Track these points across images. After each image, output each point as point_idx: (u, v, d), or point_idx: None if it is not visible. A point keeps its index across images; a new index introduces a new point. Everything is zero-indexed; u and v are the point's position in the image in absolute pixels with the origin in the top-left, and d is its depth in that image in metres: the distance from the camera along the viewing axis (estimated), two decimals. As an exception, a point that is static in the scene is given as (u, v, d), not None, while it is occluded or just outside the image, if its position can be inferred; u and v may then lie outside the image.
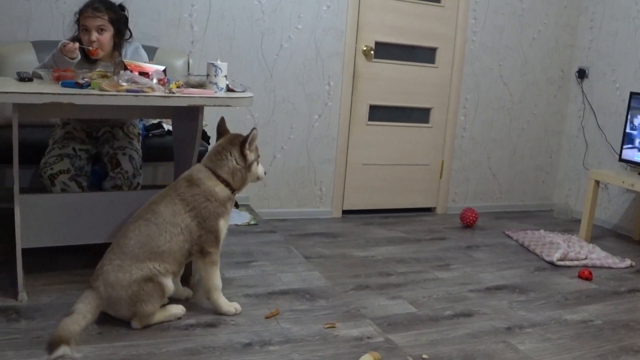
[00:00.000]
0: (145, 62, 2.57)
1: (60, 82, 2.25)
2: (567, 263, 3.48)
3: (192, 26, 3.67)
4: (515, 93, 4.70)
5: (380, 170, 4.36)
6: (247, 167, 2.30)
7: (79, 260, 2.69)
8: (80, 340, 1.97)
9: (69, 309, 2.01)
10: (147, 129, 3.23)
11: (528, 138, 4.84)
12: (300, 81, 3.98)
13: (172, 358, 1.97)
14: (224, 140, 2.32)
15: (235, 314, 2.32)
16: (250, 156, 2.30)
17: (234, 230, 3.43)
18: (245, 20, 3.78)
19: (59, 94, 2.07)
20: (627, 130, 4.01)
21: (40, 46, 3.15)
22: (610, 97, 4.52)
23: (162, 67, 2.46)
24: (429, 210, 4.64)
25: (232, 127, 2.41)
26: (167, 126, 3.27)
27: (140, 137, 3.00)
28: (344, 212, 4.31)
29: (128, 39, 2.79)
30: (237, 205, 3.76)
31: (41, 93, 2.05)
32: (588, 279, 3.27)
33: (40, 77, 2.40)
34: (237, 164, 2.28)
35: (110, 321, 2.13)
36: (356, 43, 4.07)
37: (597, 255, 3.64)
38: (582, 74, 4.74)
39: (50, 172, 2.61)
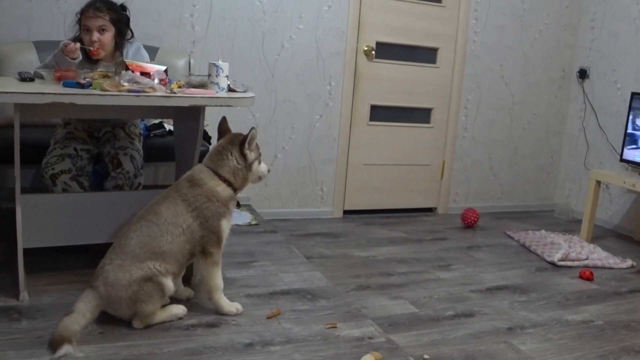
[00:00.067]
0: (146, 62, 2.57)
1: (61, 82, 2.25)
2: (568, 263, 3.48)
3: (194, 26, 3.68)
4: (516, 93, 4.70)
5: (382, 170, 4.36)
6: (248, 166, 2.30)
7: (81, 260, 2.69)
8: (81, 340, 1.97)
9: (70, 308, 2.02)
10: (149, 129, 3.23)
11: (529, 138, 4.84)
12: (302, 81, 3.98)
13: (173, 358, 1.97)
14: (224, 140, 2.32)
15: (236, 314, 2.32)
16: (251, 155, 2.30)
17: (235, 231, 3.42)
18: (247, 20, 3.78)
19: (61, 94, 2.07)
20: (630, 130, 4.01)
21: (41, 46, 3.15)
22: (611, 98, 4.52)
23: (164, 67, 2.46)
24: (430, 210, 4.64)
25: (234, 127, 2.41)
26: (169, 126, 3.27)
27: (142, 137, 3.00)
28: (345, 212, 4.31)
29: (129, 39, 2.79)
30: (239, 205, 3.77)
31: (43, 93, 2.05)
32: (589, 279, 3.27)
33: (41, 77, 2.40)
34: (238, 163, 2.28)
35: (111, 321, 2.13)
36: (357, 43, 4.07)
37: (598, 256, 3.64)
38: (583, 74, 4.74)
39: (51, 172, 2.61)
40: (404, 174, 4.45)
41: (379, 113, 4.28)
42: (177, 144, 2.78)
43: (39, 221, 2.34)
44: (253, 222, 3.65)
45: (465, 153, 4.62)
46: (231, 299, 2.37)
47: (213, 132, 3.12)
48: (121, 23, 2.71)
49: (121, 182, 2.71)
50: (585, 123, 4.75)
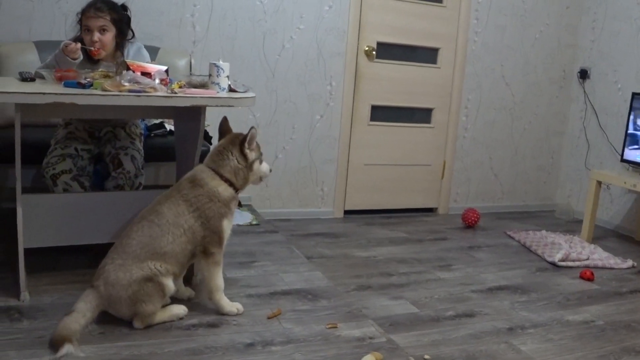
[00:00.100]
0: (147, 62, 2.57)
1: (62, 82, 2.25)
2: (569, 264, 3.48)
3: (194, 26, 3.68)
4: (517, 93, 4.70)
5: (382, 170, 4.36)
6: (249, 166, 2.30)
7: (82, 260, 2.69)
8: (81, 339, 1.97)
9: (71, 308, 2.02)
10: (149, 129, 3.24)
11: (530, 138, 4.84)
12: (302, 81, 3.98)
13: (174, 358, 1.97)
14: (225, 140, 2.32)
15: (237, 314, 2.32)
16: (251, 155, 2.30)
17: (235, 231, 3.42)
18: (247, 20, 3.78)
19: (62, 94, 2.07)
20: (631, 131, 4.01)
21: (42, 46, 3.15)
22: (612, 98, 4.52)
23: (165, 67, 2.46)
24: (430, 210, 4.64)
25: (235, 127, 2.41)
26: (169, 126, 3.27)
27: (142, 137, 3.00)
28: (346, 212, 4.31)
29: (130, 39, 2.79)
30: (240, 205, 3.77)
31: (44, 93, 2.05)
32: (590, 279, 3.27)
33: (42, 77, 2.40)
34: (239, 163, 2.28)
35: (112, 321, 2.13)
36: (358, 43, 4.07)
37: (598, 256, 3.64)
38: (584, 74, 4.74)
39: (52, 172, 2.61)
40: (405, 174, 4.45)
41: (380, 113, 4.28)
42: (177, 144, 2.78)
43: (39, 221, 2.34)
44: (254, 222, 3.65)
45: (466, 153, 4.62)
46: (232, 299, 2.37)
47: (214, 132, 3.12)
48: (122, 23, 2.71)
49: (122, 182, 2.71)
50: (586, 123, 4.75)
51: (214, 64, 2.42)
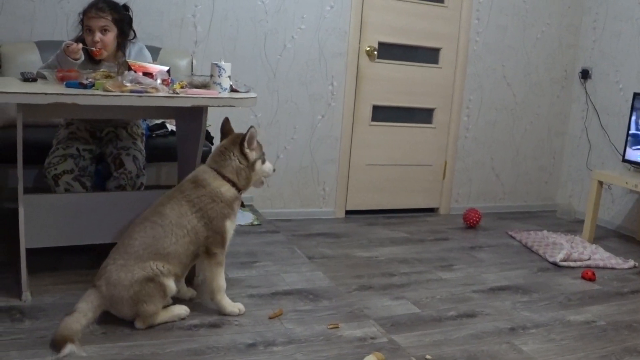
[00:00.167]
0: (149, 63, 2.57)
1: (64, 83, 2.25)
2: (571, 264, 3.48)
3: (196, 26, 3.68)
4: (519, 93, 4.69)
5: (383, 170, 4.36)
6: (251, 165, 2.30)
7: (83, 260, 2.70)
8: (83, 340, 1.97)
9: (72, 308, 2.02)
10: (151, 129, 3.24)
11: (531, 138, 4.83)
12: (304, 81, 3.98)
13: (175, 358, 1.98)
14: (227, 141, 2.32)
15: (239, 315, 2.32)
16: (252, 155, 2.30)
17: (237, 231, 3.38)
18: (249, 20, 3.78)
19: (63, 94, 2.08)
20: (633, 131, 4.00)
21: (43, 46, 3.15)
22: (614, 98, 4.52)
23: (166, 68, 2.46)
24: (432, 210, 4.64)
25: (236, 128, 2.41)
26: (171, 126, 3.27)
27: (144, 138, 3.01)
28: (347, 212, 4.31)
29: (132, 39, 2.79)
30: (243, 205, 3.77)
31: (45, 93, 2.05)
32: (591, 279, 3.26)
33: (44, 78, 2.40)
34: (240, 163, 2.28)
35: (114, 321, 2.13)
36: (359, 43, 4.07)
37: (600, 256, 3.63)
38: (585, 74, 4.74)
39: (54, 173, 2.61)
40: (406, 174, 4.44)
41: (381, 113, 4.28)
42: (179, 144, 2.78)
43: (41, 221, 2.34)
44: (255, 222, 3.65)
45: (467, 153, 4.62)
46: (233, 299, 2.37)
47: (215, 133, 3.12)
48: (123, 23, 2.71)
49: (123, 182, 2.71)
50: (588, 123, 4.75)
51: (216, 64, 2.42)
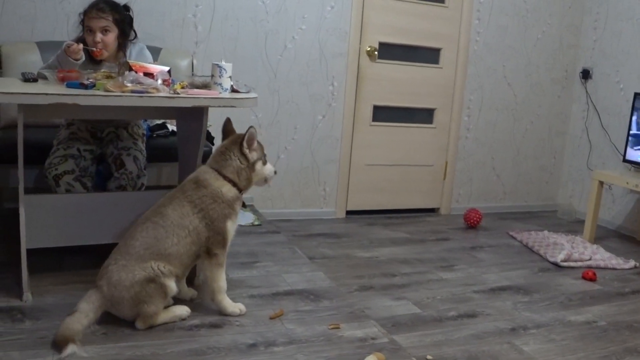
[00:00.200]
0: (149, 63, 2.58)
1: (65, 83, 2.25)
2: (571, 264, 3.48)
3: (197, 27, 3.68)
4: (519, 93, 4.69)
5: (384, 170, 4.36)
6: (251, 166, 2.30)
7: (84, 261, 2.70)
8: (84, 340, 1.97)
9: (73, 308, 2.02)
10: (152, 129, 3.24)
11: (532, 138, 4.83)
12: (304, 82, 3.98)
13: (176, 359, 1.98)
14: (227, 141, 2.32)
15: (239, 315, 2.32)
16: (252, 155, 2.30)
17: (238, 231, 3.37)
18: (249, 20, 3.78)
19: (64, 94, 2.08)
20: (633, 131, 4.00)
21: (44, 46, 3.15)
22: (614, 98, 4.52)
23: (167, 68, 2.46)
24: (432, 210, 4.64)
25: (237, 128, 2.40)
26: (172, 127, 3.28)
27: (145, 138, 3.01)
28: (348, 212, 4.31)
29: (132, 39, 2.79)
30: (244, 205, 3.77)
31: (46, 94, 2.05)
32: (592, 280, 3.26)
33: (45, 78, 2.41)
34: (241, 163, 2.28)
35: (114, 322, 2.13)
36: (360, 44, 4.07)
37: (601, 256, 3.63)
38: (586, 74, 4.74)
39: (54, 173, 2.61)
40: (407, 175, 4.44)
41: (382, 113, 4.28)
42: (180, 145, 2.78)
43: (42, 221, 2.34)
44: (256, 223, 3.65)
45: (468, 153, 4.62)
46: (234, 300, 2.37)
47: (216, 133, 3.13)
48: (124, 24, 2.71)
49: (124, 182, 2.71)
50: (588, 123, 4.74)
51: (217, 64, 2.42)
